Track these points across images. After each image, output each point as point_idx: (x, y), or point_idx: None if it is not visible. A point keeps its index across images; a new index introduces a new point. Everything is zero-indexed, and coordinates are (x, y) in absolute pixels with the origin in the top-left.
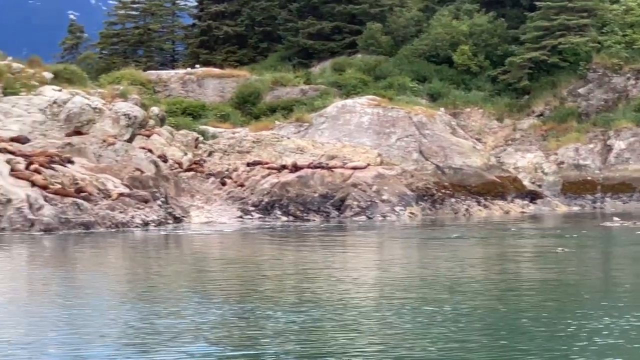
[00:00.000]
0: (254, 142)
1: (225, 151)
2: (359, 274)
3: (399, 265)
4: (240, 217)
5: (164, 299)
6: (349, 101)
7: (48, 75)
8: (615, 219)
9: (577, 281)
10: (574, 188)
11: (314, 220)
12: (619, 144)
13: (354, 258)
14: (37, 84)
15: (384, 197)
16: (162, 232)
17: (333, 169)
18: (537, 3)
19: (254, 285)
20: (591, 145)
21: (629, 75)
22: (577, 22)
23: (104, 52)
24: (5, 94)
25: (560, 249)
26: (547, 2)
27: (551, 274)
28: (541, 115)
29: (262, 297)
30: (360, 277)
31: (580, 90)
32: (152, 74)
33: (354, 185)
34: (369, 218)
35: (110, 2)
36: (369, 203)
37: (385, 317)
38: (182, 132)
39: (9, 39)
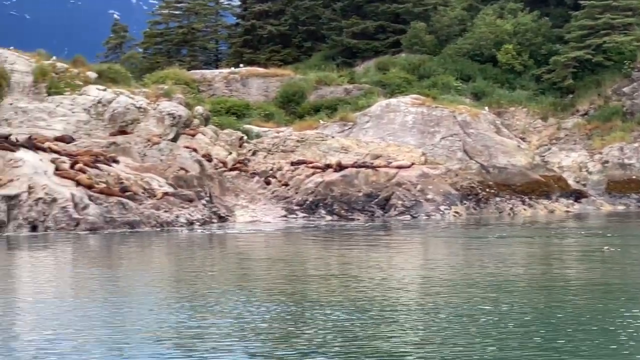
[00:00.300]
0: (298, 141)
1: (270, 150)
2: (406, 273)
3: (446, 264)
4: (285, 216)
5: (211, 298)
6: (393, 100)
7: (92, 74)
8: None
9: (622, 280)
10: (618, 187)
11: (359, 219)
12: None
13: (401, 257)
14: (81, 83)
15: (429, 196)
16: (207, 232)
17: (377, 168)
18: (581, 2)
19: (300, 284)
20: (636, 144)
21: None
22: (621, 20)
23: (147, 51)
24: (49, 94)
25: (606, 247)
26: (592, 1)
27: (596, 273)
28: (585, 114)
29: (308, 297)
30: (407, 277)
31: (625, 89)
32: (196, 74)
33: (399, 184)
34: (414, 217)
35: (152, 1)
36: (413, 202)
37: (433, 316)
38: (226, 131)
39: (51, 39)
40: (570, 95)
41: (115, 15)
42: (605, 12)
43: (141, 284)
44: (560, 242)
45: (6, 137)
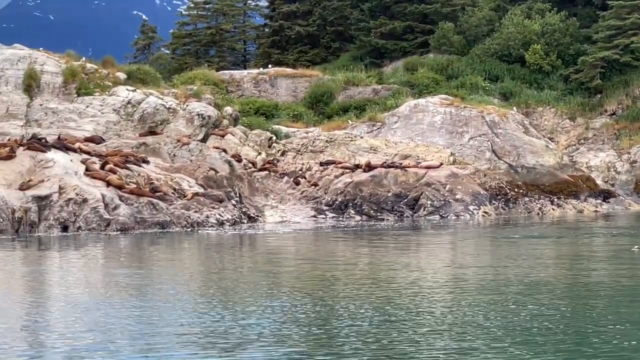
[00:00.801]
0: (327, 141)
1: (299, 151)
2: (437, 274)
3: (478, 265)
4: (314, 216)
5: (243, 299)
6: (421, 100)
7: (122, 75)
8: None
9: None
10: None
11: (388, 219)
12: None
13: (433, 258)
14: (110, 84)
15: (458, 197)
16: (239, 232)
17: (406, 169)
18: (609, 2)
19: (332, 284)
20: None
21: None
22: None
23: (176, 52)
24: (79, 95)
25: (636, 247)
26: (619, 1)
27: (626, 273)
28: (613, 114)
29: (340, 296)
30: (438, 278)
31: None
32: (225, 74)
33: (428, 184)
34: (443, 217)
35: (175, 2)
36: (442, 202)
37: (466, 316)
38: (255, 131)
39: (75, 39)
40: (598, 95)
41: (144, 17)
42: (633, 12)
43: (173, 284)
44: (590, 242)
45: (37, 139)
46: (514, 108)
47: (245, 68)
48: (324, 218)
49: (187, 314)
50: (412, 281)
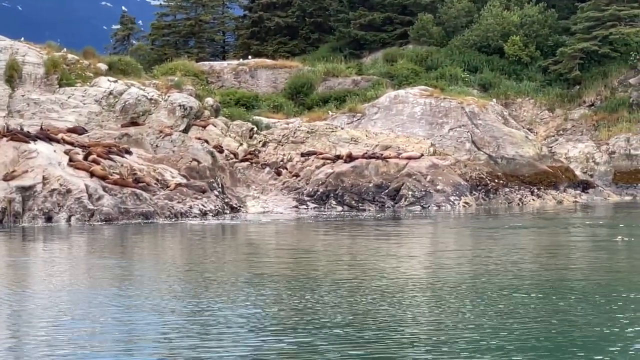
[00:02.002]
0: (308, 132)
1: (280, 141)
2: (415, 262)
3: (457, 254)
4: (296, 207)
5: (222, 287)
6: (401, 91)
7: (103, 66)
8: None
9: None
10: (625, 178)
11: (370, 210)
12: None
13: (413, 247)
14: (92, 75)
15: (439, 187)
16: (222, 222)
17: (387, 159)
18: None
19: (311, 273)
20: None
21: None
22: (628, 12)
23: (155, 43)
24: (60, 85)
25: (619, 237)
26: None
27: (616, 262)
28: (592, 105)
29: (319, 285)
30: (419, 266)
31: (631, 81)
32: (205, 65)
33: (409, 175)
34: (424, 208)
35: None
36: (423, 193)
37: (443, 303)
38: (236, 122)
39: (43, 30)
40: (577, 87)
41: (123, 7)
42: (611, 4)
43: (154, 274)
44: (574, 232)
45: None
46: (493, 99)
47: (224, 59)
48: (305, 208)
49: (166, 302)
50: (392, 270)
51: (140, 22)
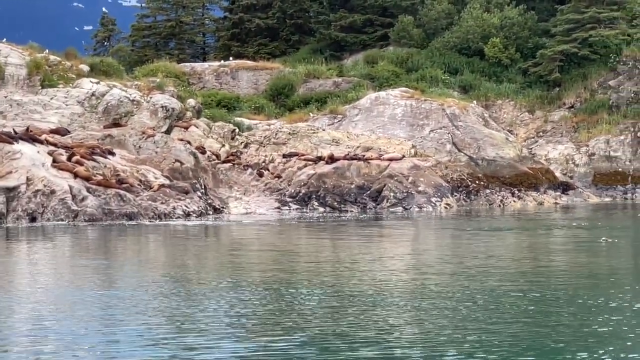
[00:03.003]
0: (289, 133)
1: (262, 143)
2: (396, 263)
3: (451, 256)
4: (278, 208)
5: (204, 288)
6: (382, 93)
7: (85, 67)
8: None
9: (626, 270)
10: (605, 179)
11: (352, 211)
12: None
13: (394, 248)
14: (74, 76)
15: (420, 189)
16: (205, 223)
17: (369, 161)
18: None
19: (292, 274)
20: (622, 137)
21: None
22: (607, 14)
23: (135, 44)
24: (43, 86)
25: (604, 238)
26: None
27: (602, 264)
28: (572, 107)
29: (299, 286)
30: (395, 267)
31: (611, 83)
32: (186, 67)
33: (390, 176)
34: (406, 209)
35: None
36: (405, 194)
37: (423, 303)
38: (218, 124)
39: (14, 30)
40: (557, 89)
41: (104, 9)
42: (591, 6)
43: (136, 274)
44: (558, 233)
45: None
46: (474, 101)
47: (204, 60)
48: (287, 209)
49: (149, 302)
50: (371, 270)
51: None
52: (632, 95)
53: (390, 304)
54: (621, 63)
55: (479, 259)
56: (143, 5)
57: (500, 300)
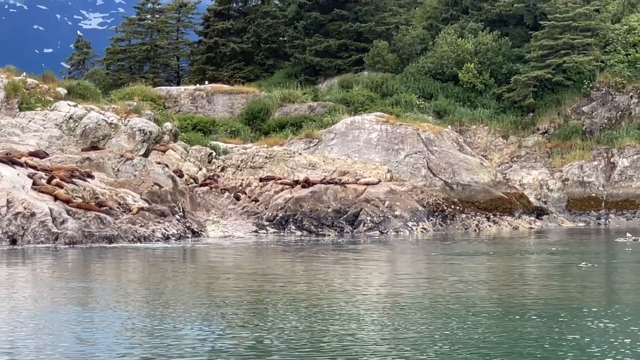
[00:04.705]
0: (266, 157)
1: (238, 166)
2: (372, 287)
3: (427, 281)
4: (256, 231)
5: (175, 312)
6: (357, 118)
7: (62, 90)
8: (628, 235)
9: (604, 294)
10: (578, 204)
11: (329, 235)
12: (622, 162)
13: (369, 272)
14: (51, 99)
15: (397, 213)
16: (184, 246)
17: (346, 185)
18: (541, 22)
19: (267, 298)
20: (595, 163)
21: (631, 93)
22: (581, 41)
23: (110, 67)
24: (21, 109)
25: (583, 263)
26: (552, 22)
27: (584, 289)
28: (546, 132)
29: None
30: (373, 291)
31: (584, 109)
32: (162, 90)
33: (367, 200)
34: (382, 233)
35: (76, 17)
36: (382, 218)
37: (397, 328)
38: (195, 147)
39: None
40: (531, 114)
41: (79, 33)
42: (565, 33)
43: (114, 297)
44: (537, 258)
45: None
46: (449, 126)
47: (178, 84)
48: (265, 233)
49: (124, 323)
50: (346, 294)
51: (72, 45)
52: (605, 121)
53: (362, 330)
54: (594, 89)
55: (462, 284)
56: (104, 28)
57: (481, 325)
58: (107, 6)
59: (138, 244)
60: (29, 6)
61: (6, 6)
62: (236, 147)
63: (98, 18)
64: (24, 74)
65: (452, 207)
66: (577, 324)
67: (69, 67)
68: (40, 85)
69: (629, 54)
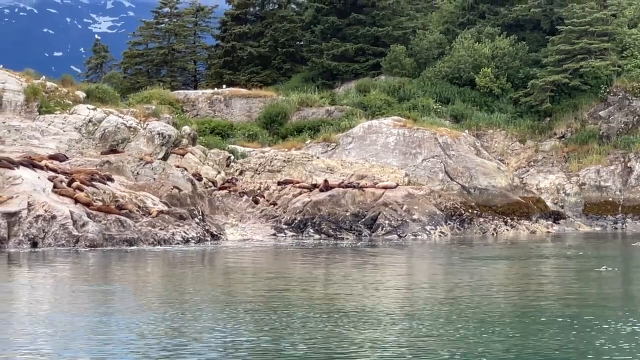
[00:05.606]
0: (284, 161)
1: (256, 170)
2: (391, 290)
3: (449, 286)
4: (274, 234)
5: (194, 313)
6: (375, 122)
7: (81, 94)
8: None
9: (628, 297)
10: (595, 209)
11: (347, 238)
12: (639, 166)
13: (388, 276)
14: (70, 102)
15: (415, 217)
16: (204, 248)
17: (364, 189)
18: (558, 27)
19: (288, 300)
20: (612, 167)
21: None
22: (598, 46)
23: (127, 71)
24: (40, 113)
25: (604, 267)
26: (569, 27)
27: (607, 293)
28: (563, 137)
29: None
30: (392, 294)
31: (601, 113)
32: (180, 94)
33: (385, 204)
34: (400, 237)
35: (86, 20)
36: (400, 222)
37: (413, 331)
38: (214, 151)
39: None
40: (548, 119)
41: (97, 37)
42: (582, 37)
43: (134, 299)
44: (557, 263)
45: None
46: (466, 130)
47: (195, 88)
48: (283, 236)
49: (144, 325)
50: (366, 298)
51: (82, 49)
52: (622, 125)
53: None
54: (611, 94)
55: (484, 287)
56: (114, 31)
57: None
58: (117, 10)
59: (158, 247)
60: (39, 9)
61: (16, 9)
62: (254, 150)
63: (108, 22)
64: (43, 77)
65: (470, 211)
66: (603, 328)
67: (79, 70)
68: (60, 89)
69: None
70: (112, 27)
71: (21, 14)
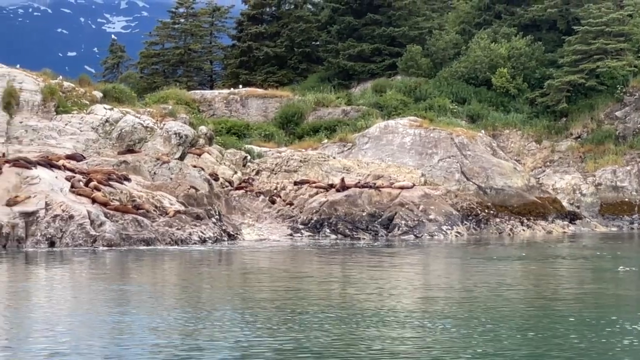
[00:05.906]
0: (300, 161)
1: (273, 170)
2: (407, 291)
3: (467, 286)
4: (291, 234)
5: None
6: (391, 122)
7: (98, 94)
8: None
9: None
10: (611, 209)
11: (364, 238)
12: None
13: (404, 276)
14: (87, 102)
15: (431, 217)
16: (221, 248)
17: (380, 189)
18: (575, 27)
19: (306, 299)
20: (628, 167)
21: None
22: (614, 46)
23: (144, 71)
24: (57, 112)
25: (621, 267)
26: (585, 27)
27: (627, 292)
28: (579, 137)
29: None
30: (408, 295)
31: (617, 113)
32: (196, 94)
33: (401, 204)
34: (417, 237)
35: (99, 20)
36: (416, 222)
37: (429, 333)
38: (230, 151)
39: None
40: (564, 119)
41: (113, 37)
42: (598, 38)
43: (152, 298)
44: (574, 263)
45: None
46: (482, 130)
47: (212, 88)
48: (300, 236)
49: (161, 324)
50: (384, 298)
51: (95, 49)
52: (639, 126)
53: (396, 331)
54: (628, 94)
55: (502, 288)
56: (128, 31)
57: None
58: (131, 10)
59: (175, 247)
60: (53, 9)
61: (30, 9)
62: (270, 150)
63: (122, 22)
64: (60, 77)
65: (486, 211)
66: (624, 328)
67: (93, 70)
68: (77, 89)
69: None
70: (126, 27)
71: (35, 13)
